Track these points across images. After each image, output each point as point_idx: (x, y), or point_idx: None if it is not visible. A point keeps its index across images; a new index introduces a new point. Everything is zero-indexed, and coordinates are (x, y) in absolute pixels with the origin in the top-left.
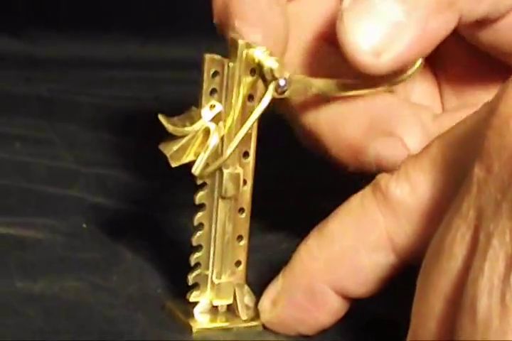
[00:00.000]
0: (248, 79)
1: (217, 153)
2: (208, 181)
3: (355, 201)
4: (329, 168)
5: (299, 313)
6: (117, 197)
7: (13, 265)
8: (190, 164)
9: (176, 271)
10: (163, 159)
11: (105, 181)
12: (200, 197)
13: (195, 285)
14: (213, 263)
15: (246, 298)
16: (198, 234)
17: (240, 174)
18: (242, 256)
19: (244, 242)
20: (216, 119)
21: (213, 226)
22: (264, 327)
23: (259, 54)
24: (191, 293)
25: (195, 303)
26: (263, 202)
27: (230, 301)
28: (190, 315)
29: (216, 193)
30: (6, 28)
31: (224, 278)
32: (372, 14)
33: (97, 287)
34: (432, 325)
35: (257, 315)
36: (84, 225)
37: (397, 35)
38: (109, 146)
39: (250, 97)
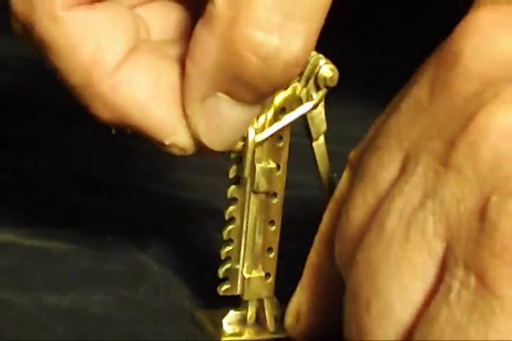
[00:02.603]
0: (282, 92)
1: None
2: (240, 176)
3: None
4: None
5: (323, 320)
6: (141, 208)
7: (40, 278)
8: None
9: (204, 283)
10: (190, 169)
11: (129, 190)
12: (232, 191)
13: (226, 279)
14: (244, 257)
15: (274, 311)
16: (229, 227)
17: (273, 168)
18: (274, 243)
19: (275, 227)
20: None
21: (245, 220)
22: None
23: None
24: (222, 286)
25: (224, 314)
26: (284, 210)
27: (260, 296)
28: (219, 326)
29: (248, 188)
30: None
31: (254, 273)
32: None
33: (125, 300)
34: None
35: (284, 327)
36: (109, 237)
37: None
38: (131, 154)
39: (283, 110)
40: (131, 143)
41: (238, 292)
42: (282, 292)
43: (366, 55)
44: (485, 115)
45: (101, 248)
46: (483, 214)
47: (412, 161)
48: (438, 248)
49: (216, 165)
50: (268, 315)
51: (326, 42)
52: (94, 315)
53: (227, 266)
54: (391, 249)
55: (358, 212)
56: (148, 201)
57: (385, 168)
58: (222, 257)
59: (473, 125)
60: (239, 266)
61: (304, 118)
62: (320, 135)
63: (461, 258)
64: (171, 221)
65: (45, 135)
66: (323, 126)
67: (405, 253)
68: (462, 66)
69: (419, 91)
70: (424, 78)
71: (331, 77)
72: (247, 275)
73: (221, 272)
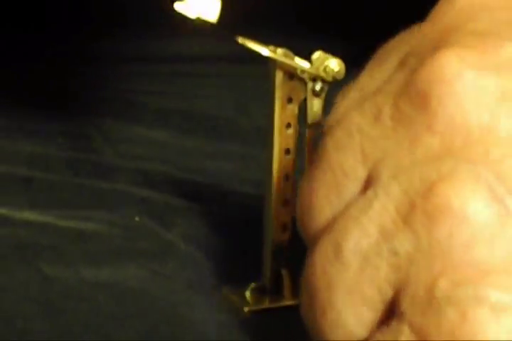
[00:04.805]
0: (287, 83)
1: None
2: None
3: None
4: None
5: None
6: (162, 190)
7: (77, 255)
8: None
9: (226, 258)
10: (202, 155)
11: (149, 175)
12: None
13: None
14: None
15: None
16: None
17: None
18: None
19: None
20: None
21: None
22: None
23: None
24: None
25: (248, 286)
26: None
27: None
28: (243, 297)
29: None
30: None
31: None
32: None
33: (156, 274)
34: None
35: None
36: (137, 218)
37: None
38: (145, 140)
39: (290, 100)
40: (150, 133)
41: None
42: (297, 263)
43: (365, 55)
44: (443, 196)
45: (130, 228)
46: (431, 291)
47: (372, 187)
48: (388, 291)
49: (227, 152)
50: (286, 284)
51: (325, 43)
52: (130, 287)
53: None
54: (346, 274)
55: (323, 211)
56: (166, 184)
57: (349, 178)
58: None
59: (432, 200)
60: None
61: (304, 105)
62: (314, 123)
63: (408, 319)
64: (191, 203)
65: (72, 126)
66: (319, 115)
67: (358, 283)
68: (427, 118)
69: (383, 105)
70: (389, 93)
71: (338, 71)
72: None
73: None
